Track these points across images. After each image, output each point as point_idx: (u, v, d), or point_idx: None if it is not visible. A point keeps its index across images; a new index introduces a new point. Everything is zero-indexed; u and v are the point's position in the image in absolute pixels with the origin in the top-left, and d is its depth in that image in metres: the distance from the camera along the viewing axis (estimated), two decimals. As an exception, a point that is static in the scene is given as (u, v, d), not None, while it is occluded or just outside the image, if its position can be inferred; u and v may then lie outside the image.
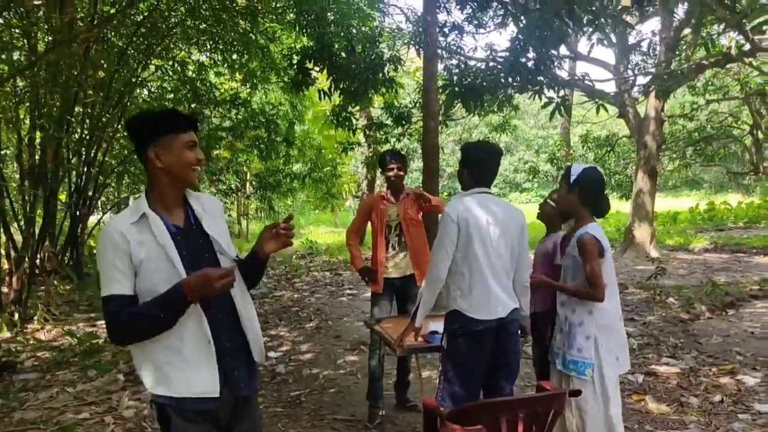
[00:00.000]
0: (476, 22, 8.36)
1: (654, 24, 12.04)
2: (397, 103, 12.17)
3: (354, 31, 8.80)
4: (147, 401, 4.09)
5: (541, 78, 5.58)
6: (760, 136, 16.53)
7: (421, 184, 7.68)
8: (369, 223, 4.13)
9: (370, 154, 14.38)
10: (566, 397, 2.36)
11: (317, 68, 9.26)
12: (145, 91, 11.73)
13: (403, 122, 11.94)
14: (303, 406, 4.33)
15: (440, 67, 8.39)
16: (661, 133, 11.47)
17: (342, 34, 8.94)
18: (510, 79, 5.64)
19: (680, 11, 9.85)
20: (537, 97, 6.50)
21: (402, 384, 4.18)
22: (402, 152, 4.40)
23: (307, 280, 10.38)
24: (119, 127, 10.73)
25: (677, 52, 10.80)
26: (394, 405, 4.21)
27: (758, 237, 14.33)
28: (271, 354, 5.71)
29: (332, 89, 9.36)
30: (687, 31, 10.31)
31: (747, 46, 4.98)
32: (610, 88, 11.72)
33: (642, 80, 9.44)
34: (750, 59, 6.34)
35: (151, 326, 1.75)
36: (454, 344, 2.79)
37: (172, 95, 11.64)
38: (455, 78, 6.02)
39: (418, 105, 12.45)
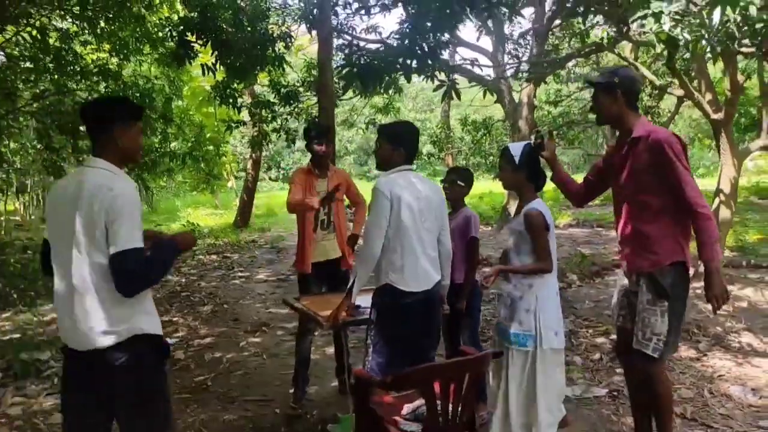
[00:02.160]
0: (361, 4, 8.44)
1: (526, 14, 12.80)
2: (284, 81, 11.96)
3: (241, 3, 8.46)
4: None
5: (437, 62, 5.77)
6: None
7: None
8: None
9: (255, 133, 14.01)
10: (489, 360, 2.54)
11: (200, 42, 8.82)
12: (-1, 59, 10.53)
13: (291, 101, 11.78)
14: (211, 390, 4.23)
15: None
16: (532, 118, 12.31)
17: (227, 5, 8.59)
18: (408, 61, 5.76)
19: (549, 2, 10.60)
20: (430, 80, 6.69)
21: (342, 368, 4.04)
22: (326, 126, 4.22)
23: (194, 264, 9.98)
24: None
25: (548, 42, 11.61)
26: (337, 390, 4.12)
27: (612, 213, 15.93)
28: (168, 340, 5.46)
29: (216, 64, 8.99)
30: (557, 21, 11.09)
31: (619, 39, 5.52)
32: (488, 74, 12.35)
33: (523, 67, 10.02)
34: (618, 50, 7.03)
35: (162, 272, 2.17)
36: (385, 316, 2.88)
37: (30, 64, 10.56)
38: (354, 58, 6.02)
39: (306, 83, 12.37)
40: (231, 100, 10.73)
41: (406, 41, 5.91)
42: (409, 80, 5.94)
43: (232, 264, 9.83)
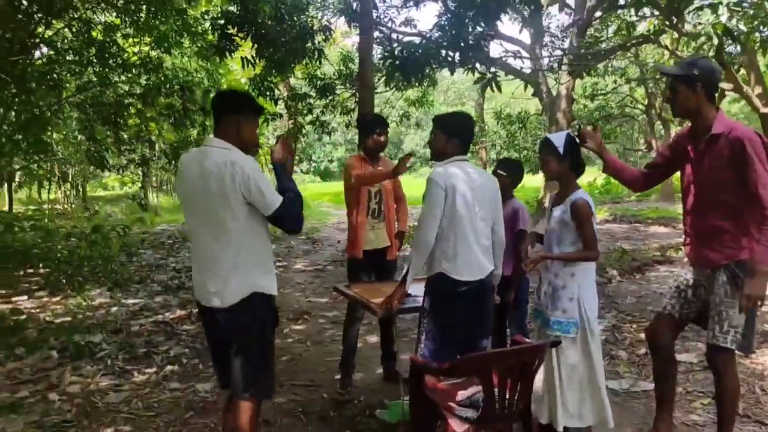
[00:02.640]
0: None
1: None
2: (321, 74, 12.03)
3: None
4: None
5: (480, 54, 5.76)
6: (653, 116, 17.96)
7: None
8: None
9: (291, 126, 14.15)
10: (547, 349, 2.56)
11: (240, 35, 8.92)
12: (46, 51, 10.82)
13: (327, 94, 11.86)
14: (259, 375, 4.31)
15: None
16: (570, 111, 12.15)
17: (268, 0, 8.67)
18: (451, 53, 5.77)
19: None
20: (471, 72, 6.68)
21: (388, 356, 4.11)
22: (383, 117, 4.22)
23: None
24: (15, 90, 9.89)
25: (587, 34, 11.43)
26: (382, 378, 4.17)
27: (651, 209, 15.68)
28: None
29: (256, 57, 9.10)
30: (598, 13, 10.92)
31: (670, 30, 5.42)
32: (525, 66, 12.26)
33: (561, 59, 9.90)
34: (666, 43, 6.90)
35: (296, 195, 2.53)
36: (438, 304, 2.91)
37: (75, 57, 10.83)
38: (396, 50, 6.05)
39: (342, 76, 12.42)
40: (268, 93, 10.83)
41: (450, 33, 5.92)
42: (453, 72, 5.94)
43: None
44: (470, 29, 5.75)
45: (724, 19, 3.43)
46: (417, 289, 3.07)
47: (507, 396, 2.39)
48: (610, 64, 16.21)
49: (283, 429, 3.42)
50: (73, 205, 20.20)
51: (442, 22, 6.73)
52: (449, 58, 5.84)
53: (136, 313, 6.12)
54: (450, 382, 2.78)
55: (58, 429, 3.42)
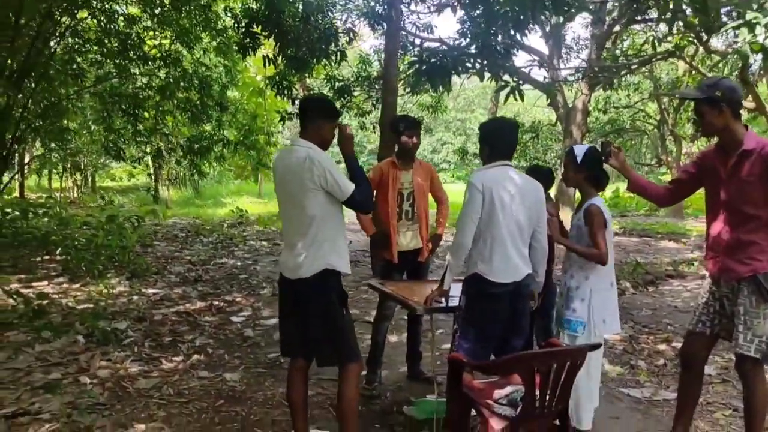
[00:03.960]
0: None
1: (580, 19, 12.64)
2: (339, 75, 12.12)
3: (308, -2, 8.62)
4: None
5: (508, 62, 5.83)
6: (665, 131, 18.03)
7: (376, 159, 7.79)
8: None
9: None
10: (587, 352, 2.63)
11: (264, 33, 9.01)
12: (69, 41, 10.92)
13: (345, 95, 11.93)
14: (284, 367, 4.33)
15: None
16: (585, 124, 12.23)
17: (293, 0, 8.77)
18: (480, 61, 5.84)
19: (615, 10, 10.50)
20: (494, 80, 6.76)
21: (414, 355, 4.18)
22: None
23: (246, 249, 10.25)
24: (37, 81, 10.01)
25: (607, 47, 11.52)
26: (405, 376, 4.24)
27: (661, 224, 15.73)
28: (234, 318, 5.68)
29: (277, 56, 9.19)
30: (617, 28, 11.01)
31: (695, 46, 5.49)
32: (542, 76, 12.34)
33: (585, 70, 9.98)
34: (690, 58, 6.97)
35: (364, 179, 2.93)
36: (473, 305, 2.98)
37: (96, 47, 10.93)
38: (424, 56, 6.12)
39: (359, 79, 12.51)
40: (286, 92, 10.90)
41: (478, 41, 5.99)
42: (482, 79, 6.01)
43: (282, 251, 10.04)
44: (498, 37, 5.82)
45: (761, 38, 3.50)
46: (455, 290, 3.15)
47: (547, 396, 2.46)
48: (624, 79, 16.29)
49: (313, 420, 3.48)
50: (84, 195, 20.34)
51: (466, 30, 6.84)
52: (477, 66, 5.91)
53: (157, 303, 6.20)
54: (486, 380, 2.85)
55: (92, 411, 3.49)
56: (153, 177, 19.36)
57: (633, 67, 9.52)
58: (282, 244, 2.99)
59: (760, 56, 3.92)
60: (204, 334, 5.12)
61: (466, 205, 2.94)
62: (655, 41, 6.24)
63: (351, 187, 2.78)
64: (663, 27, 6.22)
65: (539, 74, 12.44)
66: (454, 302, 3.15)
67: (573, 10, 5.24)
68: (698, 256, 10.07)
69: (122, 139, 12.63)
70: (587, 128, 12.57)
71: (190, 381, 4.04)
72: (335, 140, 2.99)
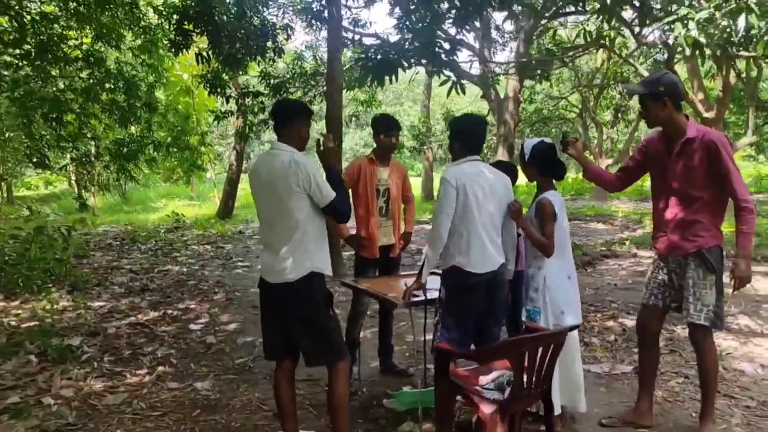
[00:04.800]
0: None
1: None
2: (274, 72, 11.97)
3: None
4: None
5: (454, 56, 5.98)
6: (587, 118, 18.93)
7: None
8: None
9: (241, 125, 13.94)
10: (566, 333, 2.79)
11: (197, 30, 8.76)
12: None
13: (281, 92, 11.80)
14: (255, 371, 4.36)
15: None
16: (518, 113, 12.66)
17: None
18: (423, 56, 5.96)
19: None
20: (437, 75, 6.91)
21: (386, 348, 4.27)
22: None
23: (189, 254, 9.98)
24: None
25: (533, 40, 11.97)
26: (379, 370, 4.30)
27: (588, 207, 16.53)
28: (193, 326, 5.56)
29: (210, 54, 8.98)
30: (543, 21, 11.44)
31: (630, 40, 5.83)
32: (476, 69, 12.68)
33: (514, 64, 10.32)
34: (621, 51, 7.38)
35: (344, 190, 3.07)
36: (453, 296, 3.09)
37: (11, 48, 10.27)
38: (370, 52, 6.18)
39: (295, 76, 12.41)
40: (220, 90, 10.68)
41: (422, 36, 6.10)
42: (431, 75, 6.13)
43: (228, 254, 9.86)
44: (443, 33, 5.96)
45: (694, 33, 3.80)
46: (432, 282, 3.25)
47: (533, 378, 2.61)
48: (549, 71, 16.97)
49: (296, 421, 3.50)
50: (1, 206, 19.06)
51: (402, 24, 6.95)
52: (423, 61, 6.03)
53: (106, 316, 5.96)
54: (469, 368, 2.97)
55: (62, 432, 3.36)
56: (77, 184, 18.40)
57: (566, 59, 9.94)
58: (266, 248, 2.95)
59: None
60: (164, 345, 4.98)
61: (441, 200, 3.04)
62: (587, 33, 6.60)
63: (332, 194, 2.85)
64: (594, 20, 6.58)
65: (474, 68, 13.00)
66: (431, 295, 3.26)
67: (516, 5, 5.44)
68: (628, 236, 10.71)
69: (45, 146, 11.93)
70: (519, 117, 13.02)
71: (161, 393, 3.94)
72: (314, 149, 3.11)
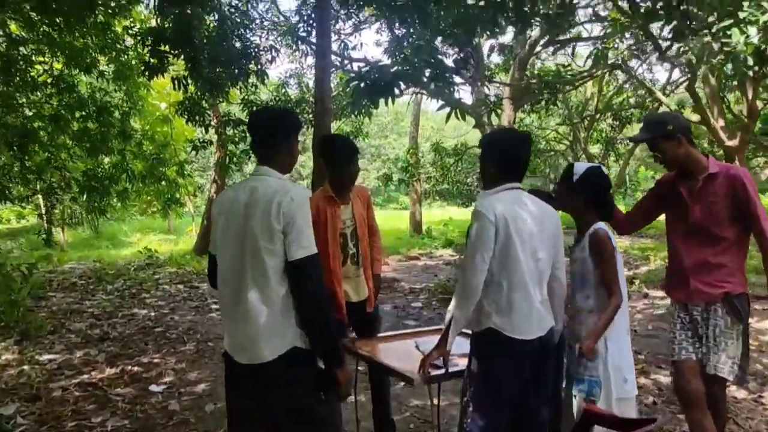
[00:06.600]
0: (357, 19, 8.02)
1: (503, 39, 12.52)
2: (257, 99, 11.31)
3: (227, 12, 7.84)
4: None
5: (454, 77, 5.36)
6: (579, 150, 18.56)
7: (311, 184, 7.06)
8: None
9: (221, 155, 13.19)
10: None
11: (174, 53, 8.08)
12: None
13: (264, 120, 11.15)
14: (225, 453, 3.52)
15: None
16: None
17: (210, 13, 7.96)
18: (425, 76, 5.33)
19: (536, 30, 10.47)
20: (435, 99, 6.28)
21: (385, 425, 3.44)
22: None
23: (160, 295, 9.07)
24: None
25: (528, 67, 11.51)
26: None
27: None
28: (154, 388, 4.69)
29: (188, 78, 8.30)
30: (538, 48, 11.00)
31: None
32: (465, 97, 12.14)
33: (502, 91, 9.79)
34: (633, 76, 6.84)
35: (327, 314, 2.13)
36: (488, 368, 2.34)
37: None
38: (364, 73, 5.53)
39: (280, 103, 11.76)
40: (198, 118, 9.99)
41: (424, 57, 5.49)
42: (434, 97, 5.48)
43: (203, 295, 8.98)
44: (446, 53, 5.35)
45: (755, 39, 3.19)
46: (458, 346, 2.49)
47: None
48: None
49: None
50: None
51: (397, 47, 6.36)
52: (424, 80, 5.39)
53: (55, 373, 5.07)
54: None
55: None
56: (45, 217, 17.38)
57: (577, 83, 9.42)
58: (231, 313, 2.17)
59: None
60: (117, 414, 4.12)
61: (475, 239, 2.31)
62: (600, 54, 6.04)
63: (311, 250, 2.04)
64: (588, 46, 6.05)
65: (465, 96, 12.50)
66: (456, 366, 2.51)
67: (533, 20, 4.84)
68: (634, 274, 10.07)
69: (8, 177, 11.07)
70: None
71: (104, 486, 3.09)
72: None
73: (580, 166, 2.74)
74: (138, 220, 23.54)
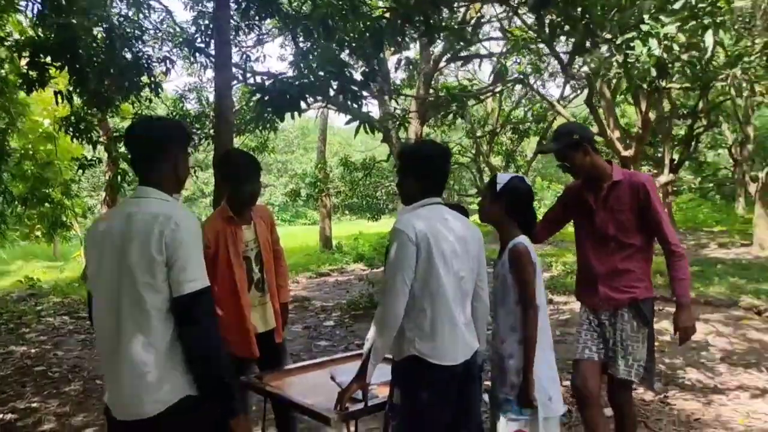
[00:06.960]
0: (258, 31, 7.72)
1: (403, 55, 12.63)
2: (152, 113, 10.64)
3: (116, 22, 7.27)
4: None
5: (367, 90, 5.21)
6: (481, 162, 19.14)
7: (212, 200, 6.64)
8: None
9: (113, 174, 12.27)
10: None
11: (57, 64, 7.38)
12: None
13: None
14: None
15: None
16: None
17: (98, 24, 7.34)
18: (334, 88, 5.14)
19: (440, 46, 10.64)
20: (344, 113, 6.12)
21: None
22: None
23: (42, 329, 8.19)
24: None
25: (432, 83, 11.67)
26: None
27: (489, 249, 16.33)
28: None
29: (73, 92, 7.61)
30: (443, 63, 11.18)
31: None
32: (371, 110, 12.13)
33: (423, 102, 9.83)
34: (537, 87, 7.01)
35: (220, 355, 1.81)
36: (412, 399, 2.14)
37: None
38: (267, 85, 5.25)
39: (176, 116, 11.16)
40: (85, 134, 9.21)
41: (332, 69, 5.31)
42: (343, 111, 5.28)
43: (90, 328, 8.19)
44: (356, 65, 5.20)
45: (656, 51, 3.28)
46: (378, 375, 2.28)
47: None
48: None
49: None
50: None
51: (301, 61, 6.14)
52: (331, 94, 5.20)
53: None
54: None
55: None
56: None
57: (482, 96, 9.59)
58: (109, 363, 1.84)
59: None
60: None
61: (394, 260, 2.12)
62: (503, 69, 6.16)
63: (201, 284, 1.76)
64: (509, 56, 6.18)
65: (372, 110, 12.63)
66: (377, 398, 2.29)
67: (439, 34, 4.80)
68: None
69: None
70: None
71: None
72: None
73: (504, 176, 2.64)
74: (20, 246, 21.55)
